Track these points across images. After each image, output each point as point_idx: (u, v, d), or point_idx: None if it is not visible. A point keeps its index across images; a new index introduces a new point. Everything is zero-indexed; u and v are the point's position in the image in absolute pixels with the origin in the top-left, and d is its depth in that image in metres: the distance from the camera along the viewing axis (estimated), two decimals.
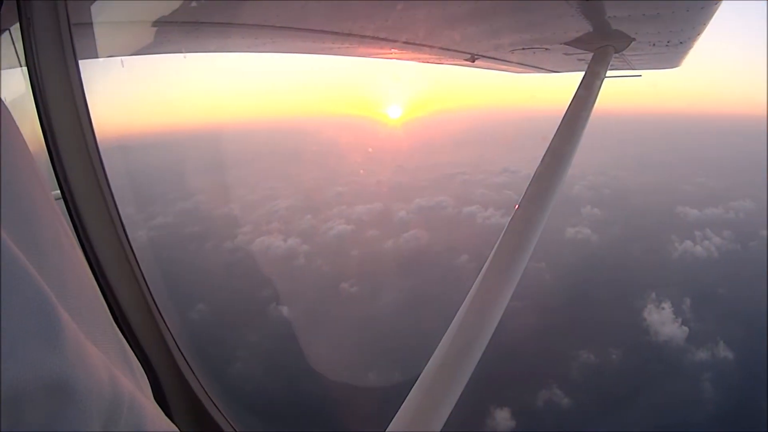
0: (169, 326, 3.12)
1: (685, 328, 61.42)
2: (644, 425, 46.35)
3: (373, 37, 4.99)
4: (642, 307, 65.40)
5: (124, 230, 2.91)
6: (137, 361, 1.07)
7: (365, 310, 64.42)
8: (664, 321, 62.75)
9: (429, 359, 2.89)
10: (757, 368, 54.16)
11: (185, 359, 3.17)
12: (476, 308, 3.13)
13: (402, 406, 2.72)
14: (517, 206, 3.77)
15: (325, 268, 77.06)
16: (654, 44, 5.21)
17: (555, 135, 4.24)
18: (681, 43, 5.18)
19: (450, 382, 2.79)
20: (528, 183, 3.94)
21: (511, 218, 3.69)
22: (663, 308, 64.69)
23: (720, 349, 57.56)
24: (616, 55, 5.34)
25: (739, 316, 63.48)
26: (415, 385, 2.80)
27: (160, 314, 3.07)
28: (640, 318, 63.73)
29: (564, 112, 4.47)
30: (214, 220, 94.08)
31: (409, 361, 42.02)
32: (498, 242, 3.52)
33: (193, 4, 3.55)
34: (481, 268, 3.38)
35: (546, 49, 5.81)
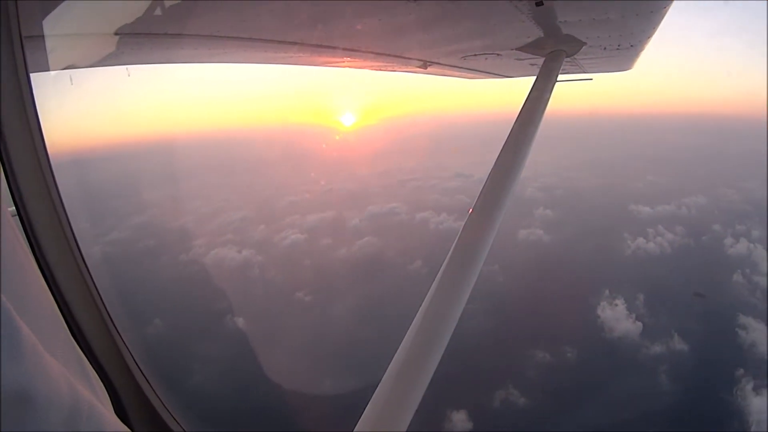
0: (125, 339, 3.08)
1: (639, 324, 62.45)
2: (603, 421, 46.75)
3: (326, 46, 4.95)
4: (596, 304, 66.55)
5: (78, 246, 2.85)
6: (95, 373, 1.08)
7: (320, 319, 64.38)
8: (618, 317, 63.84)
9: (388, 363, 2.90)
10: (711, 358, 55.46)
11: (141, 371, 3.14)
12: (434, 311, 3.14)
13: (366, 409, 2.72)
14: (471, 210, 3.76)
15: (280, 278, 77.11)
16: (605, 48, 5.24)
17: (507, 139, 4.24)
18: (632, 46, 5.22)
19: (413, 384, 2.80)
20: (481, 187, 3.93)
21: (465, 222, 3.68)
22: (616, 305, 65.89)
23: (675, 342, 58.68)
24: (568, 59, 5.36)
25: (693, 308, 64.98)
26: (378, 387, 2.80)
27: (116, 328, 3.04)
28: (594, 315, 64.80)
29: (516, 116, 4.47)
30: (169, 234, 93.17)
31: (366, 366, 42.17)
32: (453, 246, 3.50)
33: (146, 15, 3.45)
34: (436, 272, 3.35)
35: (498, 54, 5.81)
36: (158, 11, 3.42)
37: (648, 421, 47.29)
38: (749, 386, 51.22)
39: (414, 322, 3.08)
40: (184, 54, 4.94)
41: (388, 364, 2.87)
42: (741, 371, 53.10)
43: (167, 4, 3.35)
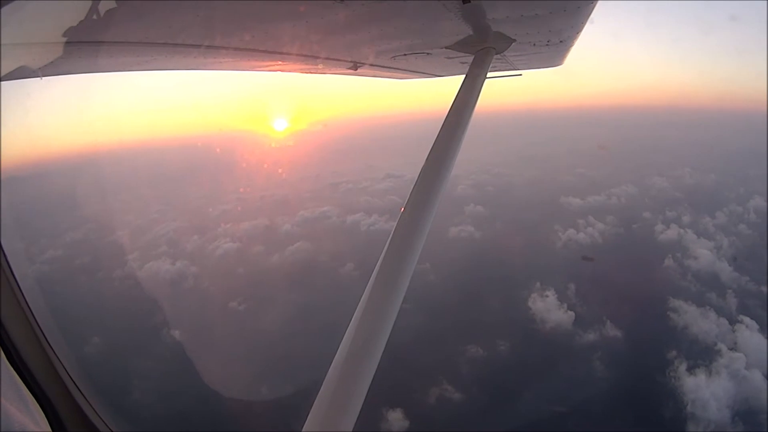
0: (62, 360, 3.01)
1: (572, 313, 63.88)
2: (540, 411, 47.51)
3: (255, 50, 4.85)
4: (527, 297, 67.78)
5: (10, 268, 2.74)
6: (32, 396, 1.09)
7: (256, 327, 63.78)
8: (549, 308, 65.10)
9: (326, 366, 2.92)
10: (645, 342, 57.03)
11: (80, 391, 3.06)
12: (372, 311, 3.16)
13: (311, 411, 2.72)
14: (402, 209, 3.74)
15: (214, 288, 76.24)
16: (534, 44, 5.27)
17: (437, 137, 4.25)
18: (561, 42, 5.28)
19: (355, 384, 2.81)
20: (412, 187, 3.92)
21: (397, 222, 3.66)
22: (547, 296, 67.08)
23: (608, 329, 60.16)
24: (498, 56, 5.38)
25: (625, 294, 66.15)
26: (321, 389, 2.81)
27: (52, 349, 2.97)
28: (526, 308, 66.00)
29: (446, 115, 4.48)
30: (104, 249, 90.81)
31: (304, 370, 41.99)
32: (386, 247, 3.49)
33: (69, 24, 3.31)
34: (369, 274, 3.34)
35: (428, 53, 5.80)
36: (81, 19, 3.29)
37: (585, 408, 48.14)
38: (682, 367, 52.87)
39: (351, 323, 3.09)
40: (110, 63, 4.77)
41: (328, 366, 2.86)
42: (674, 353, 54.79)
43: (88, 11, 3.22)
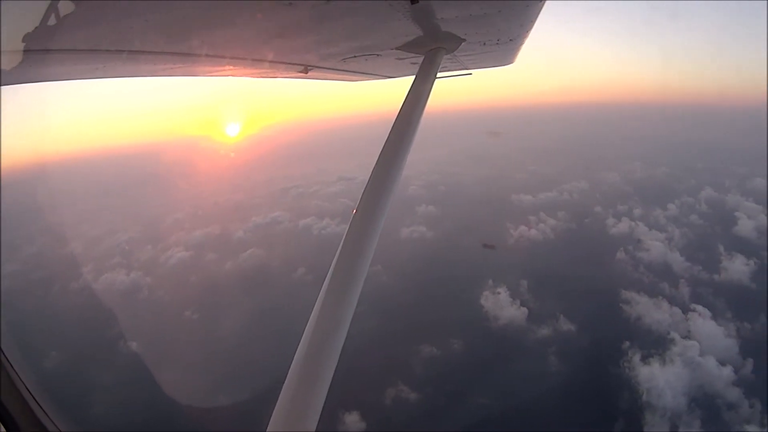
0: (21, 375, 3.02)
1: (525, 309, 64.44)
2: (497, 407, 48.13)
3: (204, 56, 4.78)
4: (479, 295, 68.12)
5: None
6: None
7: (211, 335, 63.32)
8: (502, 305, 65.56)
9: (283, 371, 2.92)
10: (598, 335, 57.89)
11: (41, 406, 3.06)
12: (327, 313, 3.20)
13: (272, 416, 2.73)
14: (354, 212, 3.75)
15: (168, 298, 75.49)
16: (484, 43, 5.30)
17: (388, 138, 4.27)
18: (511, 40, 5.32)
19: (315, 386, 2.84)
20: (363, 189, 3.92)
21: (350, 225, 3.67)
22: (499, 293, 67.52)
23: (561, 324, 60.97)
24: (448, 56, 5.40)
25: (578, 288, 67.62)
26: (281, 395, 2.82)
27: (11, 365, 2.98)
28: (479, 306, 66.28)
29: (396, 116, 4.48)
30: (59, 262, 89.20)
31: (260, 375, 41.90)
32: (339, 249, 3.49)
33: (22, 32, 3.21)
34: (321, 278, 3.36)
35: (378, 55, 5.79)
36: (30, 27, 3.21)
37: (541, 402, 48.77)
38: (637, 357, 53.84)
39: (308, 326, 3.11)
40: (59, 71, 4.67)
41: (286, 370, 2.86)
42: (627, 344, 55.72)
43: (34, 18, 3.14)
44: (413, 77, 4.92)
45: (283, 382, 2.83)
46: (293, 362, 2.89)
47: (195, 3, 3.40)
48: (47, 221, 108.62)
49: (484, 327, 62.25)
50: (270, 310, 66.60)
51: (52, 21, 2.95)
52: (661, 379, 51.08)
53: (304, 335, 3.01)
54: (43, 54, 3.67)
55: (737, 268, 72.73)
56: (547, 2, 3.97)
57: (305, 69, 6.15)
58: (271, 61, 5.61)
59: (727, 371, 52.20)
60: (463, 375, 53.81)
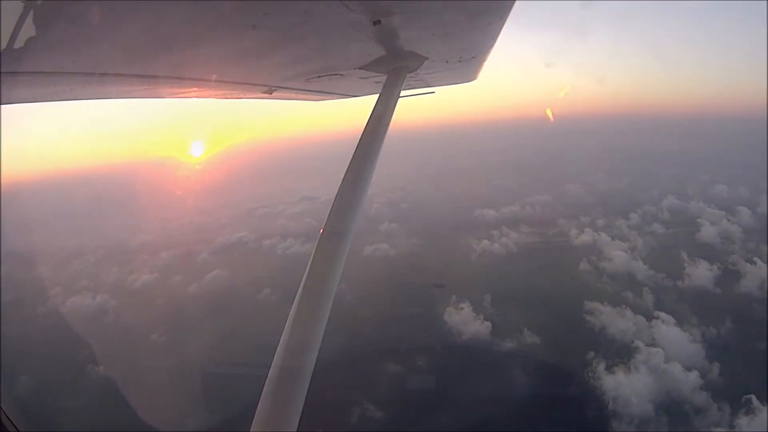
0: None
1: (488, 323, 64.13)
2: (462, 421, 47.88)
3: (169, 77, 4.79)
4: (443, 311, 67.64)
5: None
6: None
7: (177, 358, 62.26)
8: (465, 320, 65.21)
9: (253, 394, 2.89)
10: (564, 347, 58.21)
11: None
12: (299, 332, 3.21)
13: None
14: (321, 231, 3.77)
15: (134, 321, 74.03)
16: (447, 61, 5.38)
17: (353, 157, 4.31)
18: (473, 58, 5.40)
19: (289, 406, 2.90)
20: (329, 208, 3.96)
21: (317, 244, 3.69)
22: (462, 308, 67.09)
23: (525, 336, 60.96)
24: (411, 74, 5.46)
25: (542, 301, 67.83)
26: (254, 420, 2.81)
27: None
28: (442, 322, 65.85)
29: (361, 134, 4.52)
30: (26, 286, 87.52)
31: (227, 400, 41.64)
32: (308, 268, 3.51)
33: None
34: (286, 298, 3.41)
35: (341, 75, 5.84)
36: None
37: (507, 415, 48.60)
38: (602, 367, 54.02)
39: (280, 344, 3.11)
40: (26, 93, 4.63)
41: (254, 392, 2.85)
42: (592, 354, 56.04)
43: (5, 40, 3.13)
44: (377, 96, 4.97)
45: (255, 405, 2.82)
46: (263, 392, 2.88)
47: (160, 26, 3.43)
48: (12, 244, 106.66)
49: (449, 343, 62.01)
50: (236, 331, 65.96)
51: (18, 44, 2.96)
52: (627, 388, 51.23)
53: (276, 354, 3.01)
54: (10, 77, 3.67)
55: (701, 273, 73.54)
56: (509, 20, 4.05)
57: (269, 90, 6.18)
58: (235, 83, 5.64)
59: (694, 376, 52.50)
60: (428, 392, 53.36)
